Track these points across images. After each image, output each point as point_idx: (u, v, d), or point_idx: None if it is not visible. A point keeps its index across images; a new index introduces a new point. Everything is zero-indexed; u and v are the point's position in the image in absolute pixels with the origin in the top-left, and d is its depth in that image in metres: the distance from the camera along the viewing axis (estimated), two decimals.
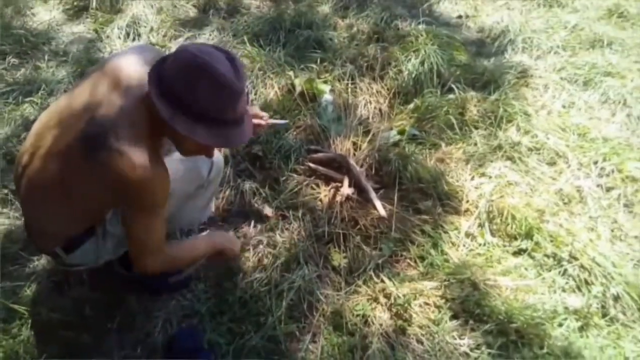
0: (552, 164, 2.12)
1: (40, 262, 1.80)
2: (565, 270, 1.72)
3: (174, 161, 1.45)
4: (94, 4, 3.17)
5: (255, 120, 1.80)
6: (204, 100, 1.17)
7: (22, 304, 1.60)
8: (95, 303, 1.65)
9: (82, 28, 3.11)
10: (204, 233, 1.76)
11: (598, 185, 2.02)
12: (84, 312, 1.62)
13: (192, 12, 3.22)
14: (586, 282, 1.68)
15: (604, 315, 1.62)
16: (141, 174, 1.19)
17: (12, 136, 2.31)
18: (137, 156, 1.19)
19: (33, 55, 2.83)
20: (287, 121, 2.16)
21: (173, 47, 2.88)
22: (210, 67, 1.15)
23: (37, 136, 1.36)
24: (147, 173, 1.20)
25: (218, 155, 1.65)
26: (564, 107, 2.43)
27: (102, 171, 1.20)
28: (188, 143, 1.26)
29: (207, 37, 2.93)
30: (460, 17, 3.24)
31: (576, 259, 1.73)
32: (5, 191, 2.04)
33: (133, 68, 1.29)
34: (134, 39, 2.97)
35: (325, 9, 3.18)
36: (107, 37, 2.97)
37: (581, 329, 1.59)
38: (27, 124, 2.37)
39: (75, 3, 3.26)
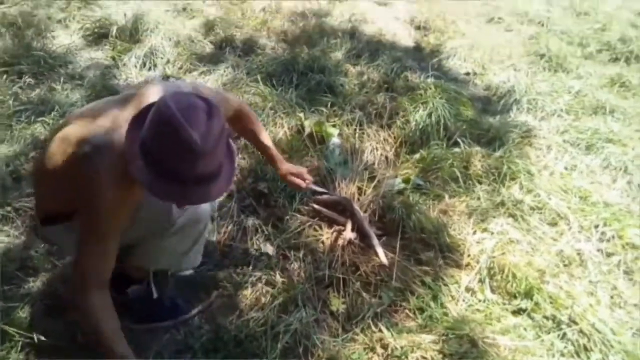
0: (553, 224, 2.14)
1: (36, 283, 1.78)
2: (565, 334, 1.70)
3: None
4: (114, 32, 3.26)
5: (296, 180, 1.84)
6: (165, 154, 1.15)
7: (13, 326, 1.56)
8: None
9: (100, 54, 3.19)
10: None
11: (598, 250, 2.03)
12: (76, 338, 1.58)
13: (209, 48, 3.32)
14: (585, 348, 1.66)
15: None
16: (104, 197, 1.23)
17: (20, 154, 2.32)
18: (107, 180, 1.22)
19: (49, 77, 2.88)
20: (327, 192, 2.18)
21: (187, 79, 2.95)
22: (176, 123, 1.11)
23: (65, 122, 1.44)
24: (108, 198, 1.23)
25: (202, 209, 1.57)
26: (566, 169, 2.48)
27: (75, 175, 1.26)
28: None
29: (222, 72, 3.01)
30: (468, 74, 3.35)
31: (576, 323, 1.72)
32: (8, 209, 2.03)
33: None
34: (149, 69, 3.05)
35: (338, 55, 3.28)
36: (124, 64, 3.05)
37: None
38: (36, 143, 2.39)
39: (95, 30, 3.35)
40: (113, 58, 3.11)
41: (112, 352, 1.30)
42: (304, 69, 2.98)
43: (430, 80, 2.98)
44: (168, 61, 3.09)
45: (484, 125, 2.71)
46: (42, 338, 1.53)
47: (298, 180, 1.84)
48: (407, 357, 1.60)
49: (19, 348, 1.53)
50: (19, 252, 1.88)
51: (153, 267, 1.66)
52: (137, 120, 1.20)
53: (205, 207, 1.61)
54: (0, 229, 1.98)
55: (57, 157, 1.33)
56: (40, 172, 1.46)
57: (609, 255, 2.02)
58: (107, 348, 1.30)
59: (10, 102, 2.60)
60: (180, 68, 3.05)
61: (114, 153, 1.23)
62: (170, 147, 1.14)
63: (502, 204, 2.20)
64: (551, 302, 1.79)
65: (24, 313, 1.65)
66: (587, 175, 2.45)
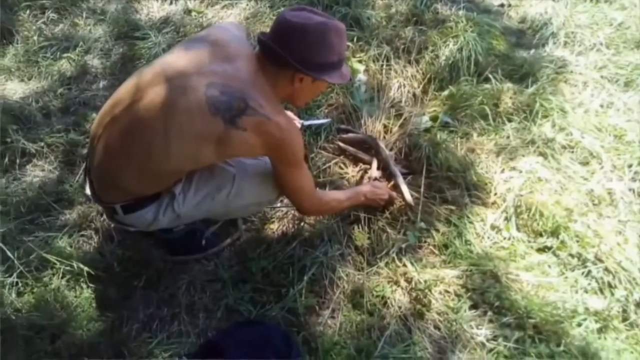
0: (585, 163, 2.09)
1: (72, 216, 1.86)
2: (589, 271, 1.71)
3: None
4: None
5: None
6: (335, 50, 1.37)
7: (53, 254, 1.65)
8: (124, 260, 1.70)
9: None
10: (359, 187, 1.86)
11: (630, 189, 1.98)
12: (113, 268, 1.66)
13: None
14: (609, 285, 1.67)
15: (625, 320, 1.61)
16: (287, 134, 1.36)
17: (48, 90, 2.35)
18: (281, 119, 1.35)
19: (72, 12, 2.85)
20: (328, 120, 2.14)
21: (209, 13, 2.88)
22: (319, 24, 1.32)
23: (134, 91, 1.34)
24: (290, 133, 1.38)
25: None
26: (602, 106, 2.37)
27: (245, 136, 1.31)
28: (311, 94, 1.56)
29: (244, 6, 2.91)
30: (502, 5, 3.15)
31: (601, 261, 1.72)
32: (41, 144, 2.08)
33: (240, 44, 1.42)
34: (171, 2, 2.97)
35: None
36: None
37: (600, 330, 1.59)
38: (63, 80, 2.41)
39: None
40: None
41: (346, 206, 1.77)
42: (329, 1, 2.84)
43: (461, 12, 2.82)
44: None
45: (517, 60, 2.59)
46: (81, 266, 1.61)
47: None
48: (430, 290, 1.64)
49: (60, 275, 1.63)
50: (54, 186, 1.94)
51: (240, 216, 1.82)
52: (286, 53, 1.32)
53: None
54: (35, 164, 2.04)
55: (173, 131, 1.28)
56: (131, 152, 1.33)
57: None
58: (349, 206, 1.79)
59: (35, 37, 2.60)
60: (202, 1, 2.96)
61: (258, 96, 1.31)
62: (340, 43, 1.38)
63: (533, 142, 2.15)
64: (577, 241, 1.78)
65: (62, 243, 1.74)
66: (624, 113, 2.34)
